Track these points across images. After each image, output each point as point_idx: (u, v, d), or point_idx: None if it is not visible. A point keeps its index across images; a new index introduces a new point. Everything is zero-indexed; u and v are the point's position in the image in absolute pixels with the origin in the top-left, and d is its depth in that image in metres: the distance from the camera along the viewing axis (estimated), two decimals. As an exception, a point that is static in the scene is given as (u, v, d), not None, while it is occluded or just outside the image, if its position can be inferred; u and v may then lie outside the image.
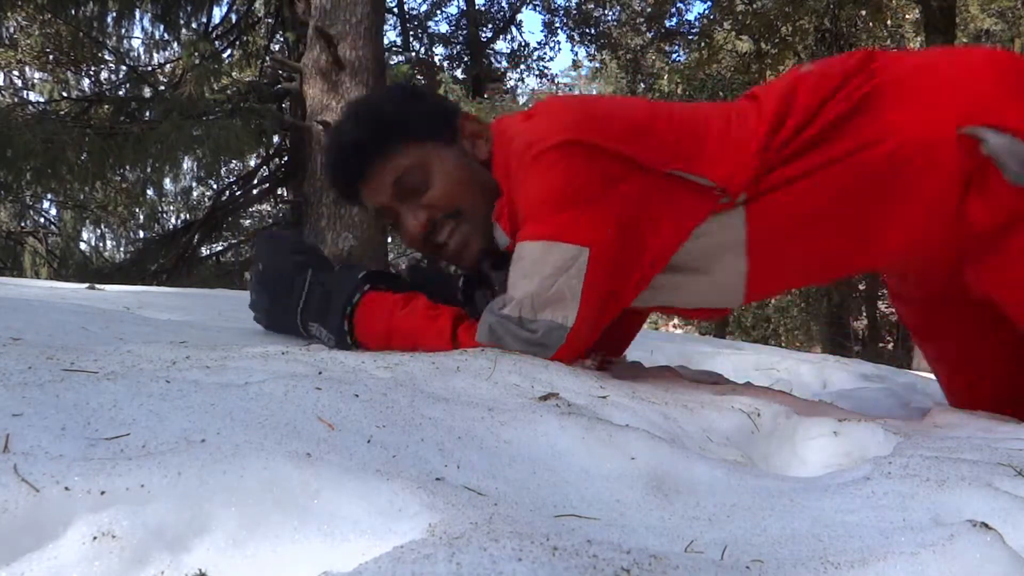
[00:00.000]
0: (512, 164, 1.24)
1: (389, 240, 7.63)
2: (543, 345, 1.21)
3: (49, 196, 9.68)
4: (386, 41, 10.53)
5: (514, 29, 14.24)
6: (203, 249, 9.21)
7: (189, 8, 8.36)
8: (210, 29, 8.99)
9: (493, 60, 13.92)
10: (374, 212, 1.37)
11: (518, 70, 14.27)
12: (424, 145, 1.30)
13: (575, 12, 13.66)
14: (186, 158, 7.64)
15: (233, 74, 8.93)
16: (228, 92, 7.95)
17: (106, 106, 8.05)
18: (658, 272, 1.28)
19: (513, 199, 1.25)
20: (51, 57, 9.62)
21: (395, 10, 12.67)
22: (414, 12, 13.59)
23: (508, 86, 14.03)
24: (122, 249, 12.54)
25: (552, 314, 1.19)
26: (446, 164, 1.30)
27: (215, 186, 9.98)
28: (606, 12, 13.53)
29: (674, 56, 14.55)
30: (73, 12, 7.88)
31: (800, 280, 1.47)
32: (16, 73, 10.32)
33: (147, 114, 7.48)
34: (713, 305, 1.41)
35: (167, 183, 10.11)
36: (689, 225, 1.25)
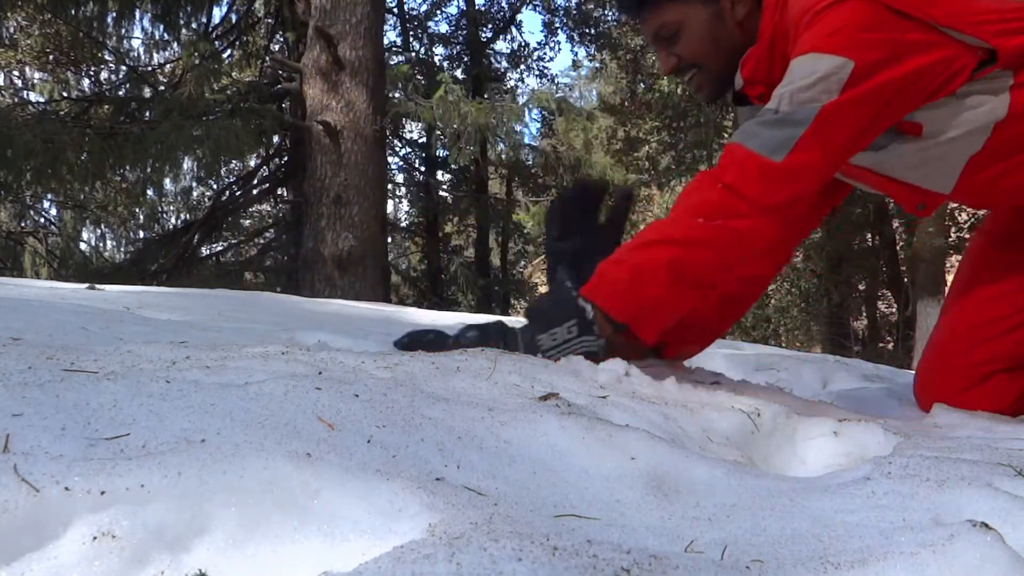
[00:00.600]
0: (789, 29, 1.36)
1: (389, 240, 7.63)
2: (791, 123, 1.26)
3: (49, 196, 9.69)
4: (386, 41, 10.54)
5: (514, 29, 14.20)
6: (203, 249, 9.22)
7: (189, 8, 8.37)
8: (210, 29, 8.99)
9: (493, 60, 13.91)
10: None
11: (518, 70, 14.25)
12: (687, 4, 1.45)
13: (575, 12, 13.65)
14: (186, 158, 7.64)
15: (233, 74, 8.93)
16: (228, 92, 7.96)
17: (106, 106, 8.06)
18: (900, 119, 1.35)
19: (780, 53, 1.39)
20: (51, 57, 9.62)
21: (395, 10, 12.66)
22: (414, 12, 13.57)
23: (508, 86, 14.03)
24: (122, 249, 12.55)
25: (806, 105, 1.26)
26: (700, 25, 1.47)
27: (215, 186, 9.98)
28: (606, 12, 13.51)
29: (674, 56, 14.50)
30: (73, 12, 7.88)
31: (1001, 195, 1.51)
32: (16, 73, 10.32)
33: (147, 114, 7.48)
34: (921, 183, 1.46)
35: (167, 183, 10.12)
36: (952, 83, 1.32)
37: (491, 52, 14.02)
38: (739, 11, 1.44)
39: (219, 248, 10.02)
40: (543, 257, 16.64)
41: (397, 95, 7.57)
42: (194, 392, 0.74)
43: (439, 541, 0.49)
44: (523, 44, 14.33)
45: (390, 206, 14.42)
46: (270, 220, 11.33)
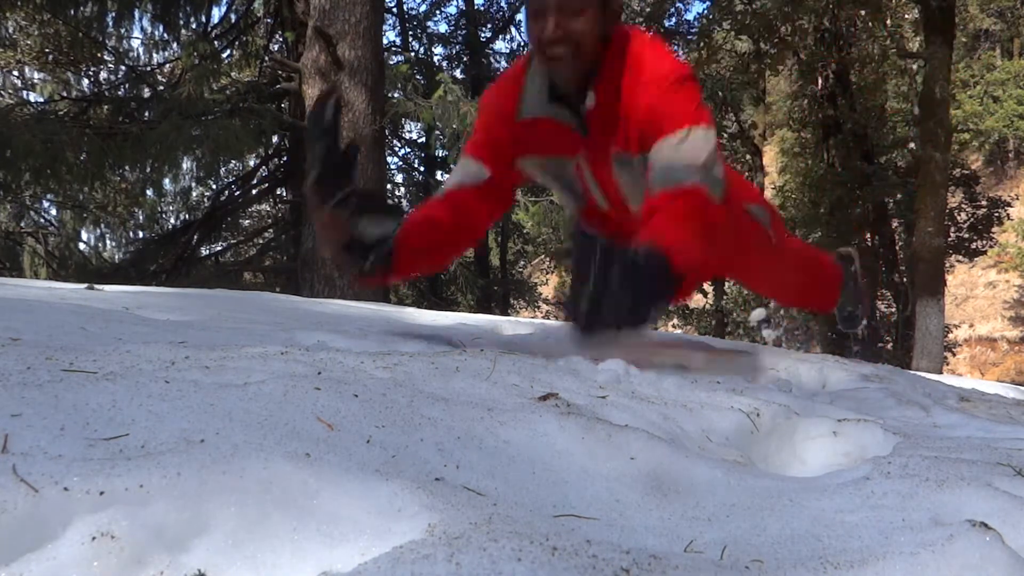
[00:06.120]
0: (644, 80, 1.76)
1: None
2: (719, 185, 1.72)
3: (48, 196, 9.68)
4: (385, 41, 10.53)
5: (513, 29, 14.23)
6: (202, 249, 9.22)
7: (188, 8, 8.36)
8: (209, 29, 8.98)
9: (492, 60, 13.92)
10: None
11: (517, 70, 14.24)
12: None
13: (574, 12, 13.64)
14: (185, 158, 7.64)
15: (232, 74, 8.93)
16: (227, 92, 7.96)
17: (105, 106, 8.06)
18: None
19: (638, 101, 1.75)
20: (51, 57, 9.62)
21: (394, 10, 12.66)
22: (413, 12, 13.58)
23: (507, 86, 14.02)
24: (121, 249, 12.53)
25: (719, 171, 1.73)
26: (594, 17, 1.79)
27: (214, 186, 9.99)
28: (605, 12, 13.52)
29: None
30: (72, 12, 7.88)
31: None
32: (16, 73, 10.31)
33: (147, 114, 7.48)
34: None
35: (167, 183, 10.10)
36: None
37: (490, 52, 14.03)
38: (608, 30, 1.78)
39: (218, 248, 10.03)
40: (543, 256, 16.63)
41: (396, 95, 7.57)
42: (193, 392, 0.74)
43: (438, 541, 0.49)
44: (522, 44, 14.33)
45: (389, 206, 14.35)
46: (269, 220, 11.33)
